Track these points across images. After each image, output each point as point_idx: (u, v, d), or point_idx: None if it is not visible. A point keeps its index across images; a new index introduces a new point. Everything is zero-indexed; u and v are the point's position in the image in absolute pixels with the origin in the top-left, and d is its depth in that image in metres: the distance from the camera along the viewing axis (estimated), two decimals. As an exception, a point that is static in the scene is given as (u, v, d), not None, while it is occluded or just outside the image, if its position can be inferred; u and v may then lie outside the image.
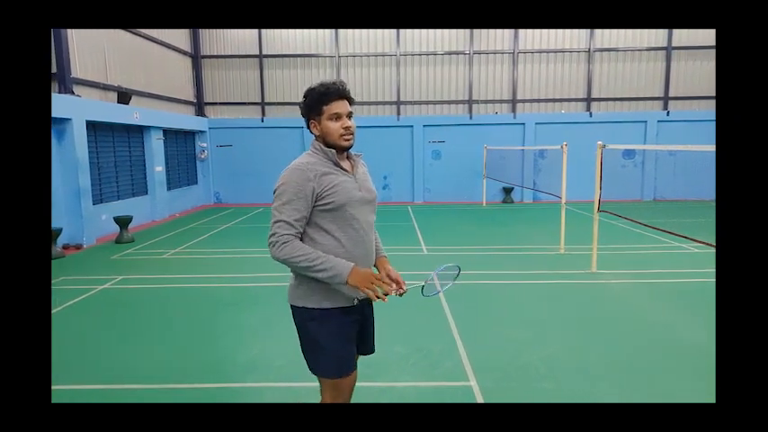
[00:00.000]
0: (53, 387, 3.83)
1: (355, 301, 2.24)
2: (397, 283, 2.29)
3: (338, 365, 2.29)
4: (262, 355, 4.51)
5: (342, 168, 2.28)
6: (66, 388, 3.93)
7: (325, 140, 2.28)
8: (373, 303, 2.46)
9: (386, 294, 2.15)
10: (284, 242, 2.13)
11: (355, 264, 2.16)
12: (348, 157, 2.37)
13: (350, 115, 2.28)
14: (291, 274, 2.35)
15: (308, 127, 2.33)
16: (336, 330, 2.26)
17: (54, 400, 3.56)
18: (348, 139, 2.26)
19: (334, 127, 2.24)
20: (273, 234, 2.16)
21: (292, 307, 2.33)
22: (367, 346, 2.52)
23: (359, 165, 2.40)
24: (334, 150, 2.26)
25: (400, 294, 2.27)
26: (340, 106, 2.24)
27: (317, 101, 2.24)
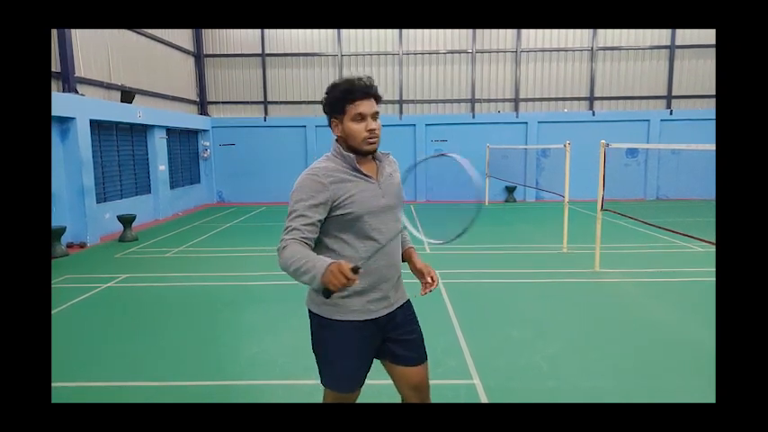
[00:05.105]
0: (56, 384, 3.86)
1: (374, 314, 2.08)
2: (422, 276, 2.19)
3: (339, 380, 2.21)
4: (264, 353, 4.52)
5: (363, 174, 2.10)
6: (69, 385, 3.94)
7: (346, 142, 2.10)
8: (414, 313, 2.34)
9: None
10: (283, 247, 1.97)
11: (331, 264, 1.86)
12: (374, 158, 2.17)
13: (375, 115, 2.08)
14: None
15: (330, 126, 2.14)
16: (344, 345, 2.15)
17: (58, 397, 3.60)
18: (372, 143, 2.07)
19: (358, 129, 2.04)
20: (280, 241, 2.00)
21: (308, 310, 2.24)
22: (403, 359, 2.26)
23: (385, 166, 2.21)
24: (353, 156, 2.08)
25: (424, 293, 2.15)
26: (365, 106, 2.03)
27: (341, 99, 2.04)
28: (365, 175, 2.11)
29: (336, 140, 2.15)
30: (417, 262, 2.29)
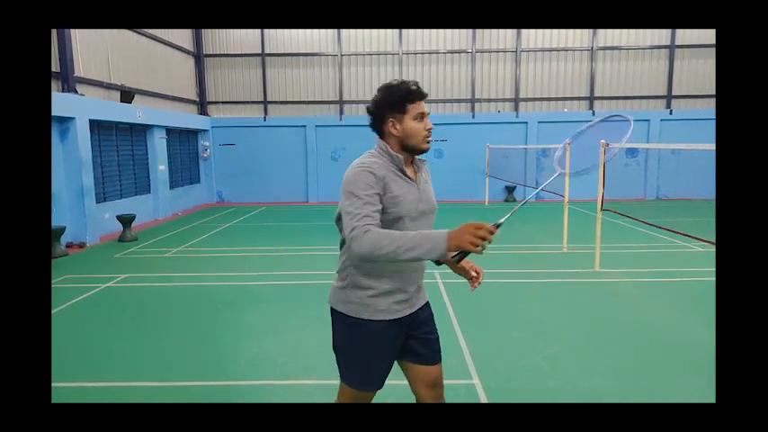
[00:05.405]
0: (56, 385, 3.85)
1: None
2: (466, 272, 2.32)
3: (362, 379, 2.24)
4: (264, 354, 4.52)
5: (407, 176, 2.15)
6: (69, 385, 3.94)
7: (403, 142, 2.14)
8: (433, 314, 2.41)
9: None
10: (365, 231, 1.92)
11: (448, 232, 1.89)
12: (412, 162, 2.22)
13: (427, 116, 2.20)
14: (337, 275, 2.26)
15: (381, 125, 2.17)
16: (371, 345, 2.19)
17: (58, 397, 3.59)
18: (429, 141, 2.16)
19: (419, 127, 2.12)
20: (353, 229, 1.94)
21: (331, 309, 2.26)
22: (424, 357, 2.33)
23: (422, 171, 2.26)
24: (402, 157, 2.14)
25: (474, 288, 2.33)
26: (423, 106, 2.14)
27: (403, 98, 2.11)
28: (408, 178, 2.16)
29: (382, 138, 2.19)
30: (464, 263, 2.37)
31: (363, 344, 2.20)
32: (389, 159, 2.14)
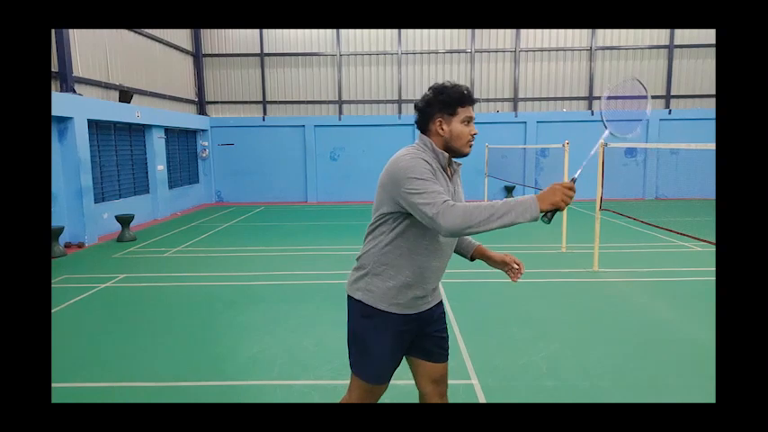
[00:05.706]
0: (55, 385, 3.85)
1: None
2: (506, 264, 2.44)
3: (377, 372, 2.25)
4: (263, 354, 4.52)
5: (447, 174, 2.19)
6: (68, 386, 3.94)
7: (447, 143, 2.16)
8: (445, 312, 2.44)
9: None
10: (451, 206, 1.91)
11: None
12: (449, 165, 2.25)
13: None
14: (357, 262, 2.28)
15: (427, 123, 2.18)
16: (386, 337, 2.21)
17: (56, 397, 3.59)
18: (471, 146, 2.20)
19: (465, 131, 2.16)
20: (433, 204, 1.92)
21: (349, 297, 2.28)
22: (434, 355, 2.37)
23: (457, 174, 2.30)
24: (447, 155, 2.17)
25: (515, 280, 2.45)
26: (472, 111, 2.18)
27: (457, 100, 2.14)
28: (449, 176, 2.20)
29: (425, 135, 2.20)
30: (495, 255, 2.48)
31: (377, 334, 2.21)
32: (433, 155, 2.15)
